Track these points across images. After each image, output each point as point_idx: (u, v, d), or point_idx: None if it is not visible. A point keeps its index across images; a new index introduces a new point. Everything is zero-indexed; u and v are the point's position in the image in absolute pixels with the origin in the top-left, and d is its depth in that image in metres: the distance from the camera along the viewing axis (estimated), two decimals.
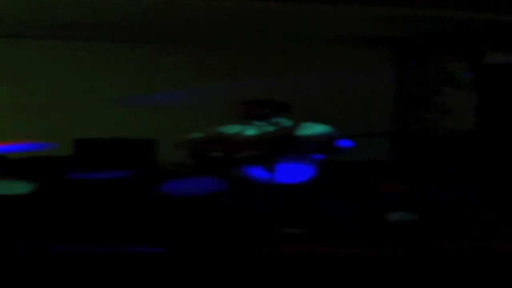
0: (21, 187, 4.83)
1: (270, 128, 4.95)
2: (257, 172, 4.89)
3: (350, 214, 5.06)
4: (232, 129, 5.06)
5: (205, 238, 4.19)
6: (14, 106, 6.24)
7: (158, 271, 3.96)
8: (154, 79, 6.47)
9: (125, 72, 6.43)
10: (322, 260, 3.79)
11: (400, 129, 6.70)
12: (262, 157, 4.87)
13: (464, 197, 5.30)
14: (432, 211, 5.04)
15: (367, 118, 6.36)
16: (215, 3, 5.65)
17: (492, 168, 6.02)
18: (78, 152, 5.28)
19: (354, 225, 4.53)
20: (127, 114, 6.31)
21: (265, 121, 5.01)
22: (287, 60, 6.69)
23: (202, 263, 3.92)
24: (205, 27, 6.30)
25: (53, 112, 6.23)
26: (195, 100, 6.38)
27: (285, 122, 4.99)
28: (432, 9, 5.86)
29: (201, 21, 6.14)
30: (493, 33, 6.34)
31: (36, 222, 4.74)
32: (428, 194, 5.43)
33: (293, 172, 4.91)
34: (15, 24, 6.05)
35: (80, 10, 5.69)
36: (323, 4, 5.74)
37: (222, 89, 6.31)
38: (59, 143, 5.64)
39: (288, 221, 4.55)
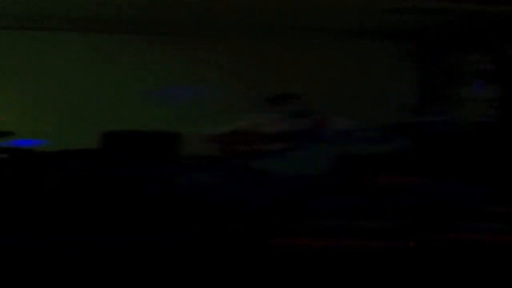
0: None
1: (296, 122, 5.00)
2: (282, 165, 4.93)
3: (367, 207, 5.10)
4: (258, 122, 5.11)
5: (230, 229, 4.22)
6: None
7: (174, 264, 4.00)
8: (176, 72, 6.50)
9: (143, 65, 6.47)
10: (335, 254, 3.82)
11: (418, 121, 6.72)
12: (287, 150, 4.91)
13: (481, 189, 5.33)
14: (447, 203, 5.07)
15: (387, 110, 6.38)
16: None
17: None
18: (105, 145, 5.34)
19: (369, 219, 4.56)
20: (147, 107, 6.37)
21: (290, 115, 5.06)
22: (305, 54, 6.71)
23: (223, 255, 3.96)
24: (216, 20, 6.32)
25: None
26: (219, 94, 6.42)
27: (310, 115, 5.04)
28: (453, 1, 5.87)
29: (214, 15, 6.17)
30: None
31: (64, 216, 4.80)
32: (449, 187, 5.45)
33: (316, 165, 4.95)
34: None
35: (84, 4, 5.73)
36: None
37: (235, 84, 6.33)
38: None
39: (312, 213, 4.58)
